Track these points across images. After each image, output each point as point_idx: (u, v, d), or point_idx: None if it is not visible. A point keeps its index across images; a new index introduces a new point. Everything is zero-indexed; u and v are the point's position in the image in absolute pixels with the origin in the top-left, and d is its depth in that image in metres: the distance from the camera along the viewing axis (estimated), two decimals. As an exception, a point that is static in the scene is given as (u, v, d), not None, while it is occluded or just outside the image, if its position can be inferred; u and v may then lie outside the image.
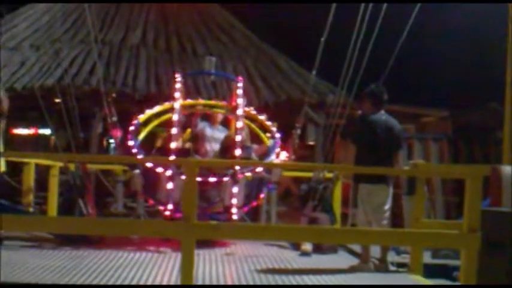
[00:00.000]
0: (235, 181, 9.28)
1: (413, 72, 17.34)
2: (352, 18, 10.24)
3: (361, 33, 10.09)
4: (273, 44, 18.42)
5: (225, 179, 9.43)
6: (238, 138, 9.61)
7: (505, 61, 9.35)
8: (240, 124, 9.77)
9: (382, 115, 8.42)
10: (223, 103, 11.17)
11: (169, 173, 9.19)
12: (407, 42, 9.98)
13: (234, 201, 9.26)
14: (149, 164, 9.46)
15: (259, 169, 9.68)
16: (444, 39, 18.00)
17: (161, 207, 9.50)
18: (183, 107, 10.41)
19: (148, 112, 10.60)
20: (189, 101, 10.95)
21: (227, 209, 9.36)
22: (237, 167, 9.31)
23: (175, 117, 9.75)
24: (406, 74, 15.53)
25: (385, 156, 8.22)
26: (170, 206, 9.14)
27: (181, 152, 9.72)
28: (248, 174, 9.54)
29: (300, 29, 20.16)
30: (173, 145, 9.45)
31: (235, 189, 9.27)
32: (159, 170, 9.35)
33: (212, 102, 11.58)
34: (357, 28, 10.12)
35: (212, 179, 9.41)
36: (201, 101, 11.47)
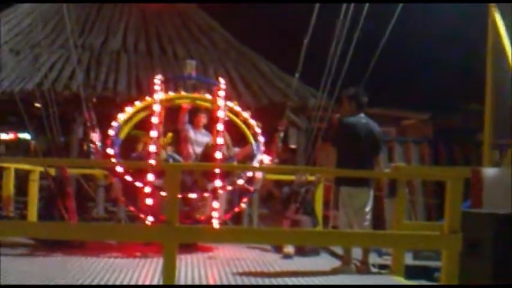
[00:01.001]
0: (215, 197, 9.21)
1: (394, 75, 17.41)
2: (333, 21, 10.27)
3: (342, 36, 10.12)
4: (253, 47, 18.41)
5: (206, 194, 9.37)
6: (219, 141, 9.53)
7: (485, 63, 9.44)
8: (221, 127, 9.69)
9: (362, 118, 8.44)
10: (207, 96, 10.99)
11: (148, 190, 9.06)
12: (388, 45, 10.02)
13: (215, 214, 9.18)
14: (128, 178, 9.32)
15: (240, 181, 9.59)
16: (425, 42, 18.10)
17: (142, 216, 9.39)
18: (166, 100, 10.32)
19: (129, 110, 10.46)
20: (171, 94, 10.81)
21: (209, 218, 9.27)
22: (217, 183, 9.19)
23: (154, 120, 9.65)
24: (387, 77, 15.58)
25: (366, 158, 8.25)
26: (151, 218, 9.04)
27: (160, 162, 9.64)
28: (229, 188, 9.47)
29: (280, 32, 20.20)
30: (152, 148, 9.34)
31: (216, 205, 9.18)
32: (139, 185, 9.21)
33: (196, 95, 11.36)
34: (338, 31, 10.16)
35: (193, 195, 9.33)
36: (184, 94, 11.34)
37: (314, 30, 10.58)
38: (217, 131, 9.68)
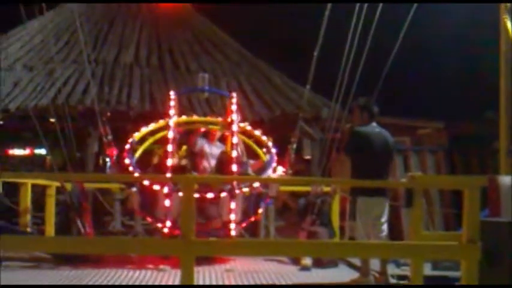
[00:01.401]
0: (232, 196, 9.26)
1: (407, 84, 17.39)
2: (345, 31, 10.28)
3: (354, 46, 10.12)
4: (266, 59, 18.45)
5: (223, 194, 9.41)
6: (234, 153, 9.59)
7: (499, 70, 9.40)
8: (235, 139, 9.76)
9: (375, 127, 8.42)
10: (218, 119, 11.16)
11: (166, 190, 9.16)
12: (400, 54, 10.01)
13: (232, 217, 9.23)
14: (146, 182, 9.44)
15: (256, 184, 9.66)
16: (438, 50, 18.07)
17: (159, 225, 9.47)
18: (178, 124, 10.42)
19: (144, 130, 10.60)
20: (183, 118, 10.95)
21: (225, 224, 9.33)
22: (235, 183, 9.28)
23: (170, 134, 9.75)
24: (400, 86, 15.56)
25: (380, 168, 8.23)
26: (168, 223, 9.11)
27: (177, 169, 9.70)
28: (245, 189, 9.52)
29: (293, 43, 20.23)
30: (169, 162, 9.43)
31: (232, 205, 9.25)
32: (156, 187, 9.32)
33: (207, 118, 11.57)
34: (350, 41, 10.16)
35: (210, 195, 9.38)
36: (196, 118, 11.46)
37: (326, 39, 10.59)
38: (232, 144, 9.74)
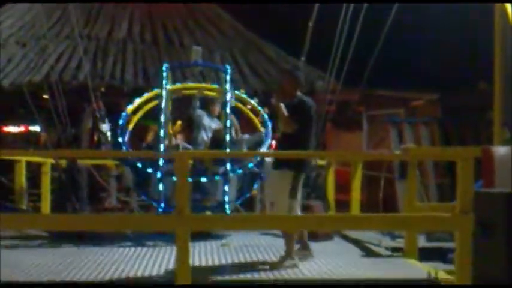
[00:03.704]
0: (226, 180, 9.24)
1: (400, 56, 17.31)
2: (338, 4, 10.24)
3: (348, 18, 10.09)
4: (260, 33, 18.37)
5: (217, 177, 9.39)
6: (227, 137, 9.52)
7: (492, 40, 9.37)
8: (228, 122, 9.66)
9: (306, 96, 7.74)
10: (214, 86, 11.06)
11: (159, 175, 9.12)
12: (394, 26, 9.99)
13: (226, 198, 9.23)
14: (139, 165, 9.38)
15: (251, 165, 9.60)
16: (431, 21, 17.97)
17: (154, 204, 9.47)
18: (173, 91, 10.35)
19: (137, 101, 10.51)
20: (178, 85, 10.88)
21: (220, 203, 9.32)
22: (228, 167, 9.23)
23: (162, 104, 9.65)
24: (394, 58, 15.51)
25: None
26: (162, 204, 9.11)
27: (171, 149, 9.68)
28: (239, 171, 9.48)
29: (287, 16, 20.11)
30: (162, 133, 9.35)
31: (227, 188, 9.23)
32: (149, 171, 9.28)
33: (203, 85, 11.46)
34: (344, 14, 10.12)
35: (203, 179, 9.36)
36: (191, 84, 11.37)
37: (320, 12, 10.56)
38: (225, 118, 9.70)
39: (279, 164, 7.49)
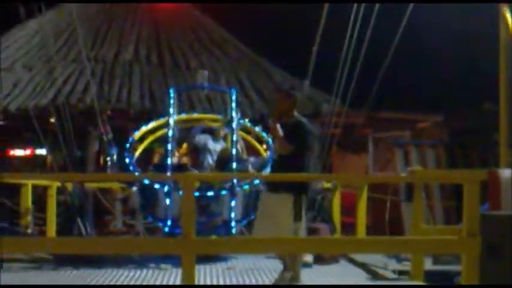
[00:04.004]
0: (233, 194, 9.26)
1: (405, 78, 17.35)
2: (344, 27, 10.28)
3: (353, 41, 10.13)
4: (266, 56, 18.44)
5: (223, 192, 9.41)
6: (233, 151, 9.59)
7: (497, 61, 9.39)
8: (235, 137, 9.74)
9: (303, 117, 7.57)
10: (218, 116, 11.17)
11: (166, 189, 9.16)
12: (398, 48, 10.02)
13: (233, 215, 9.24)
14: (146, 181, 9.45)
15: (256, 182, 9.64)
16: (436, 44, 18.04)
17: (160, 224, 9.50)
18: (179, 121, 10.42)
19: (143, 129, 10.59)
20: (183, 116, 10.95)
21: (226, 222, 9.34)
22: (235, 181, 9.28)
23: (170, 133, 9.72)
24: (399, 80, 15.55)
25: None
26: (169, 222, 9.13)
27: (178, 168, 9.71)
28: (246, 187, 9.51)
29: (292, 39, 20.20)
30: (169, 161, 9.43)
31: (233, 203, 9.25)
32: (156, 186, 9.34)
33: (207, 116, 11.58)
34: (349, 37, 10.17)
35: (210, 193, 9.39)
36: (196, 115, 11.47)
37: (324, 35, 10.60)
38: (232, 141, 9.75)
39: (277, 186, 7.26)
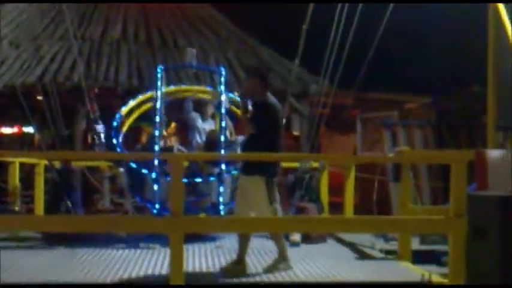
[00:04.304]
0: (221, 181, 9.25)
1: (394, 58, 17.35)
2: (333, 7, 10.26)
3: (342, 21, 10.11)
4: (254, 35, 18.37)
5: (212, 179, 9.41)
6: (222, 138, 9.53)
7: (486, 44, 9.40)
8: (223, 123, 9.65)
9: (272, 97, 7.43)
10: (207, 88, 11.12)
11: (154, 175, 9.12)
12: (388, 29, 10.01)
13: (221, 199, 9.24)
14: (133, 165, 9.40)
15: None
16: (424, 24, 18.03)
17: (148, 205, 9.49)
18: (167, 93, 10.35)
19: (131, 103, 10.52)
20: (171, 88, 10.89)
21: (215, 204, 9.35)
22: (223, 167, 9.24)
23: (158, 104, 9.63)
24: (387, 61, 15.55)
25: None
26: (157, 206, 9.12)
27: (165, 151, 9.69)
28: (234, 172, 9.49)
29: (281, 19, 20.14)
30: (156, 147, 9.33)
31: (221, 189, 9.24)
32: (144, 171, 9.30)
33: (197, 88, 11.50)
34: (338, 17, 10.15)
35: (198, 180, 9.39)
36: (185, 87, 11.40)
37: (314, 15, 10.57)
38: (220, 119, 9.71)
39: (249, 169, 7.21)
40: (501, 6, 9.03)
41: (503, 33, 9.04)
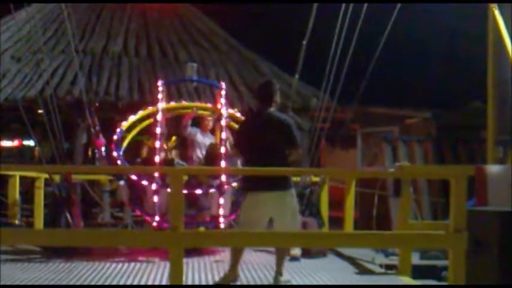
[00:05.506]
0: (221, 192, 9.24)
1: (395, 74, 17.42)
2: (333, 22, 10.29)
3: (342, 36, 10.14)
4: (255, 49, 18.43)
5: (212, 190, 9.40)
6: (222, 149, 9.53)
7: (486, 60, 9.44)
8: (224, 135, 9.67)
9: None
10: (207, 105, 11.12)
11: (154, 186, 9.12)
12: (388, 44, 10.04)
13: (221, 211, 9.23)
14: (134, 177, 9.41)
15: None
16: (425, 40, 18.12)
17: (148, 218, 9.48)
18: (167, 110, 10.36)
19: (132, 118, 10.53)
20: (172, 104, 10.91)
21: (214, 218, 9.34)
22: (223, 178, 9.24)
23: (157, 130, 9.64)
24: (388, 76, 15.59)
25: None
26: (157, 218, 9.11)
27: (166, 163, 9.69)
28: (234, 184, 9.49)
29: (282, 33, 20.22)
30: (157, 158, 9.35)
31: (221, 201, 9.23)
32: (144, 183, 9.30)
33: (197, 104, 11.53)
34: (338, 32, 10.18)
35: (199, 191, 9.39)
36: (185, 103, 11.42)
37: (314, 30, 10.61)
38: (221, 138, 9.70)
39: (286, 183, 7.28)
40: (502, 25, 9.07)
41: (503, 51, 9.09)
